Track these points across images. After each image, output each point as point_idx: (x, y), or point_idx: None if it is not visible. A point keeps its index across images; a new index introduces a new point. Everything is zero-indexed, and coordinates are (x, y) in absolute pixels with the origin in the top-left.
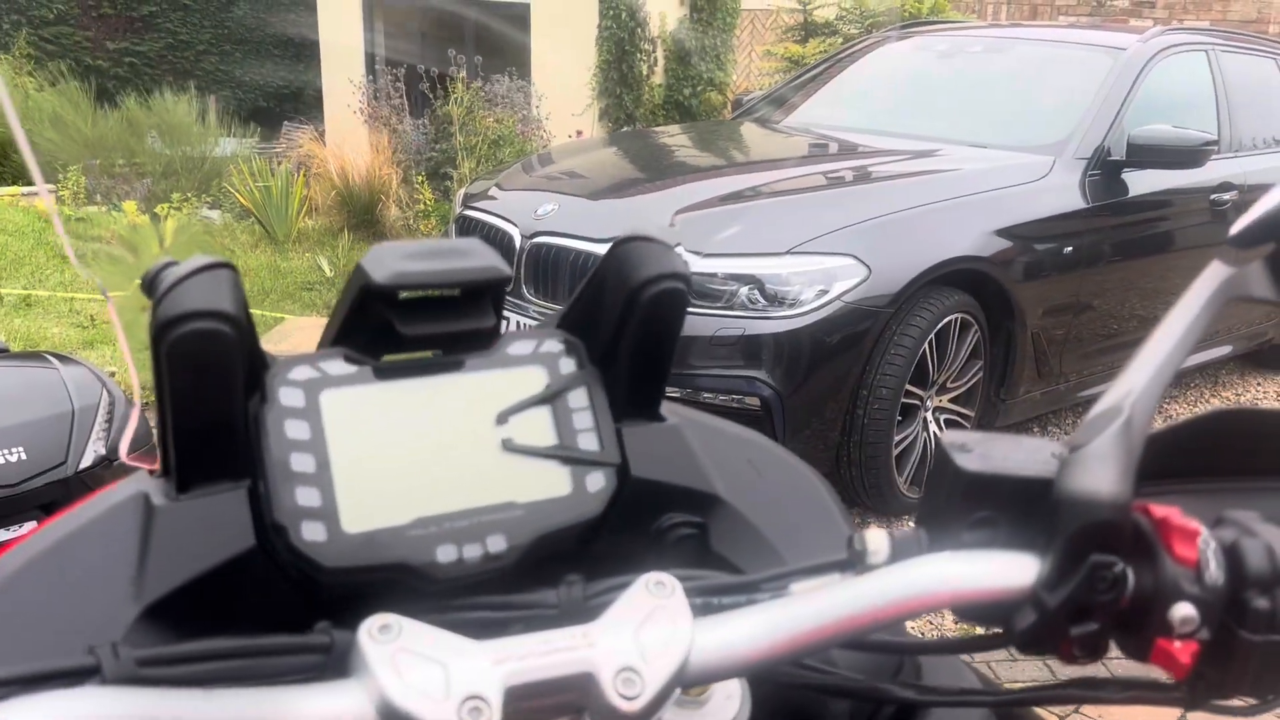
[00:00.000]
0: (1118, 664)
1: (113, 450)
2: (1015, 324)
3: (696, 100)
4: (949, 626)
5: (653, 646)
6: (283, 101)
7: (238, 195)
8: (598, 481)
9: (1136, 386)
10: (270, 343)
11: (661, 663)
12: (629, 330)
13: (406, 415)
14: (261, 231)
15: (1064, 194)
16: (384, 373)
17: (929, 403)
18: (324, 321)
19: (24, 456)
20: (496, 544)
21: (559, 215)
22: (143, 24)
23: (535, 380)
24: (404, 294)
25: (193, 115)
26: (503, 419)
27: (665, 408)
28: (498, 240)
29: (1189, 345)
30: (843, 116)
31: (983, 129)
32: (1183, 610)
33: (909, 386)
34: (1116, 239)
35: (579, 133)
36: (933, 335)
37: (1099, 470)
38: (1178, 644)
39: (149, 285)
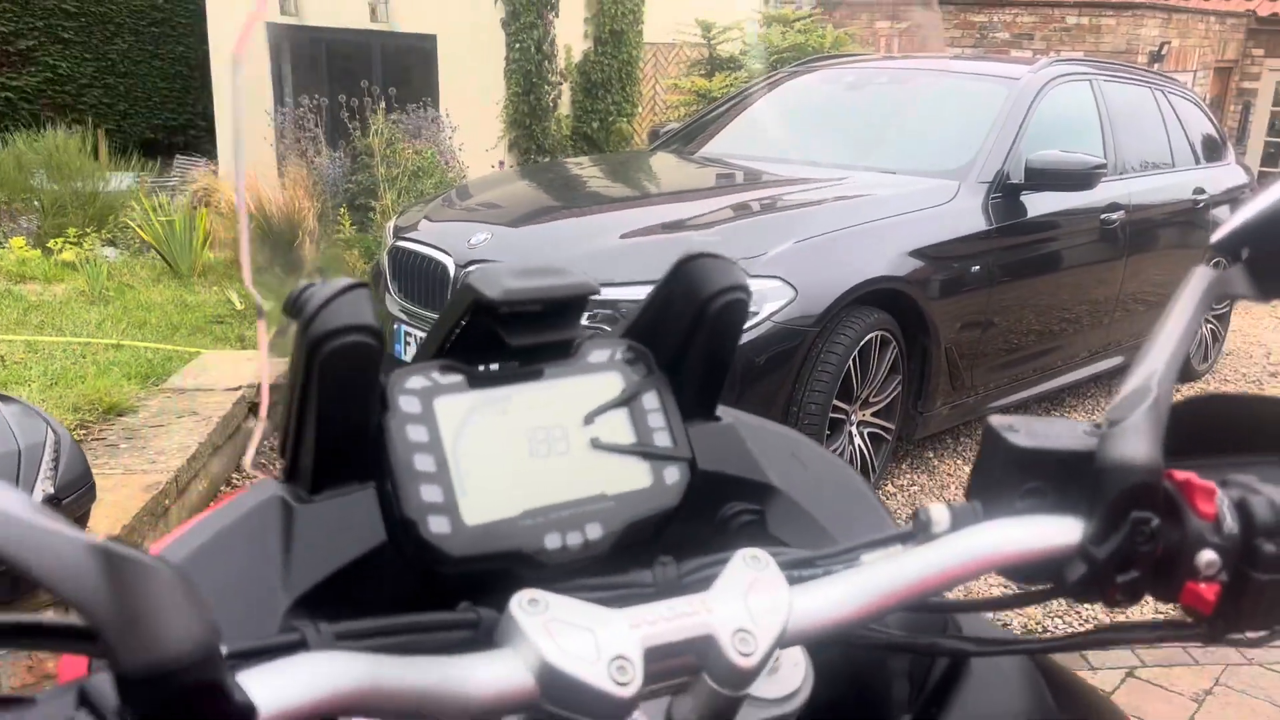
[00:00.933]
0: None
1: (71, 486)
2: (930, 340)
3: (604, 132)
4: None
5: (760, 611)
6: (171, 134)
7: (138, 230)
8: (673, 475)
9: (1159, 368)
10: (190, 377)
11: (768, 624)
12: (697, 338)
13: (507, 417)
14: (163, 266)
15: (969, 216)
16: (483, 380)
17: (854, 416)
18: (243, 354)
19: None
20: (594, 531)
21: (492, 244)
22: (20, 57)
23: (613, 385)
24: (504, 309)
25: (86, 150)
26: (589, 419)
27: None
28: (432, 270)
29: (1190, 336)
30: (757, 146)
31: (891, 156)
32: (1207, 556)
33: (835, 401)
34: (1018, 258)
35: (501, 163)
36: (856, 352)
37: (1135, 441)
38: (1203, 586)
39: (295, 306)
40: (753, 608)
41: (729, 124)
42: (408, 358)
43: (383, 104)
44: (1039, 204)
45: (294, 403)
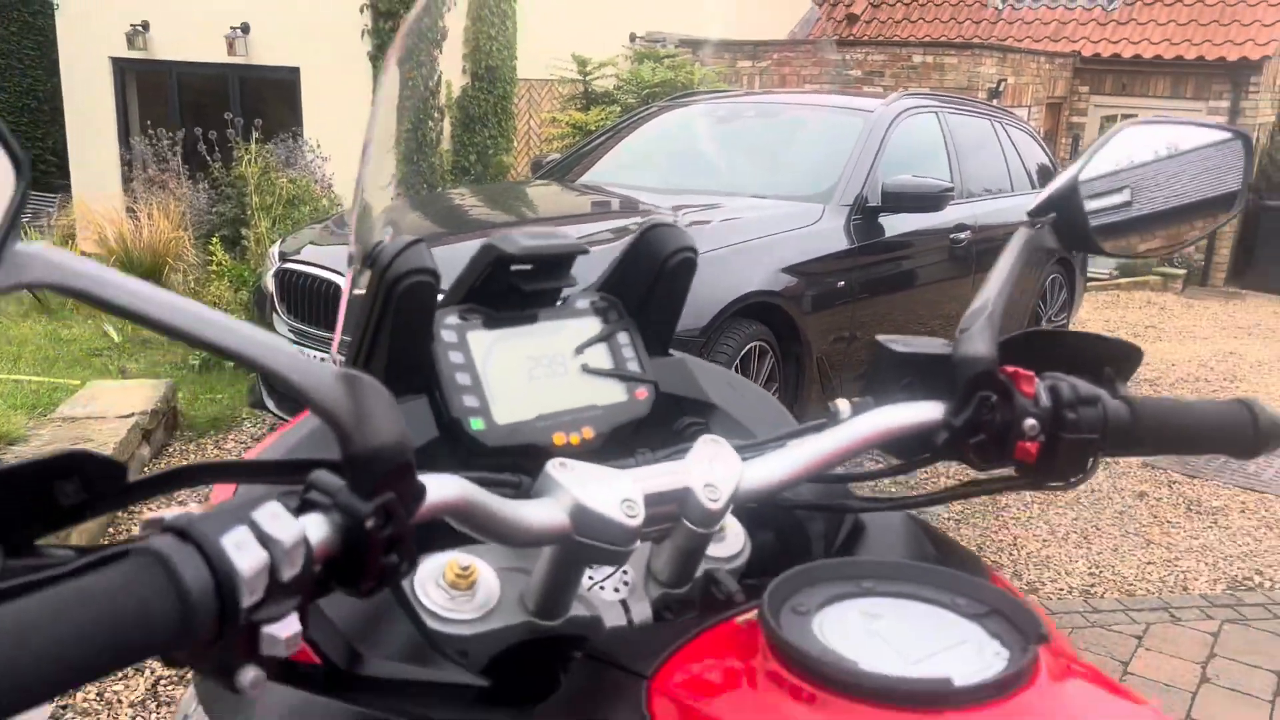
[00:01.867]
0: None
1: None
2: (803, 350)
3: (482, 165)
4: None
5: (721, 472)
6: None
7: None
8: (643, 393)
9: (992, 296)
10: (80, 406)
11: (727, 481)
12: (657, 289)
13: (519, 348)
14: (31, 300)
15: (833, 236)
16: (499, 320)
17: None
18: (130, 383)
19: None
20: (589, 432)
21: None
22: None
23: (593, 326)
24: (519, 262)
25: None
26: (579, 351)
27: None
28: (323, 291)
29: (1014, 277)
30: (636, 175)
31: (761, 182)
32: (1029, 422)
33: None
34: (878, 274)
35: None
36: (738, 360)
37: (978, 343)
38: (1029, 444)
39: (373, 258)
40: (715, 470)
41: (608, 154)
42: None
43: (255, 134)
44: (895, 224)
45: (367, 333)
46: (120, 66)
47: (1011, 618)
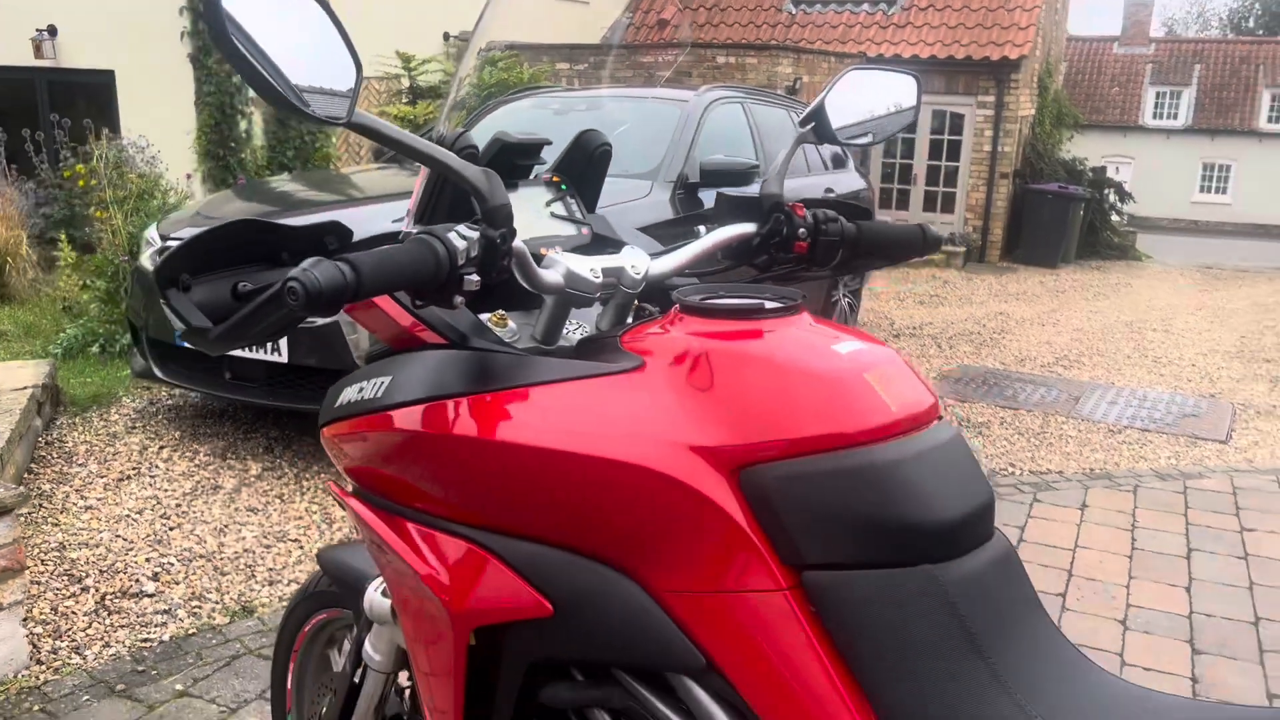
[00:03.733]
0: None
1: None
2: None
3: (300, 161)
4: None
5: (639, 262)
6: None
7: None
8: (586, 230)
9: (779, 163)
10: None
11: (642, 266)
12: (588, 172)
13: (519, 197)
14: None
15: (661, 208)
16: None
17: None
18: (14, 363)
19: None
20: (559, 248)
21: None
22: None
23: (552, 192)
24: (516, 146)
25: None
26: (549, 204)
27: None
28: None
29: (791, 156)
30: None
31: None
32: (801, 230)
33: None
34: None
35: (239, 179)
36: None
37: (773, 185)
38: (801, 244)
39: (446, 140)
40: (636, 259)
41: None
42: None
43: (106, 132)
44: (712, 198)
45: (434, 185)
46: None
47: (780, 293)
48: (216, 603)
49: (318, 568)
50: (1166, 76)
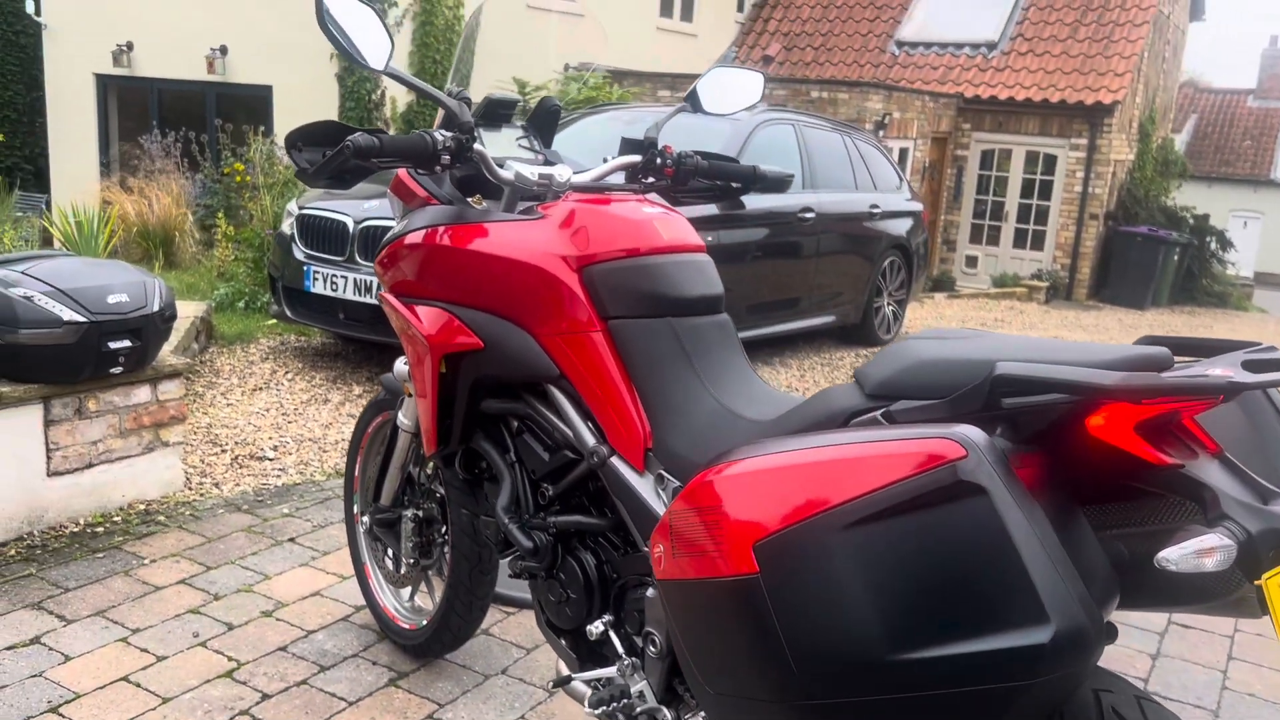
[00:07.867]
0: None
1: (169, 306)
2: None
3: None
4: None
5: (564, 171)
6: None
7: (53, 230)
8: (554, 163)
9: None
10: None
11: (567, 175)
12: (545, 122)
13: (498, 139)
14: None
15: (705, 206)
16: (493, 127)
17: None
18: (182, 302)
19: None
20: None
21: (381, 206)
22: None
23: (519, 133)
24: (502, 99)
25: None
26: (518, 140)
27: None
28: (334, 228)
29: (671, 115)
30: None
31: None
32: (668, 161)
33: None
34: (739, 239)
35: None
36: None
37: (654, 132)
38: (669, 168)
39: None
40: (563, 170)
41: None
42: (315, 290)
43: (260, 135)
44: (753, 201)
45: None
46: (104, 82)
47: (639, 190)
48: (318, 467)
49: (381, 389)
50: None
